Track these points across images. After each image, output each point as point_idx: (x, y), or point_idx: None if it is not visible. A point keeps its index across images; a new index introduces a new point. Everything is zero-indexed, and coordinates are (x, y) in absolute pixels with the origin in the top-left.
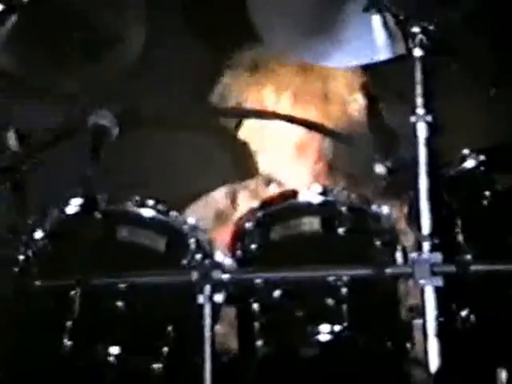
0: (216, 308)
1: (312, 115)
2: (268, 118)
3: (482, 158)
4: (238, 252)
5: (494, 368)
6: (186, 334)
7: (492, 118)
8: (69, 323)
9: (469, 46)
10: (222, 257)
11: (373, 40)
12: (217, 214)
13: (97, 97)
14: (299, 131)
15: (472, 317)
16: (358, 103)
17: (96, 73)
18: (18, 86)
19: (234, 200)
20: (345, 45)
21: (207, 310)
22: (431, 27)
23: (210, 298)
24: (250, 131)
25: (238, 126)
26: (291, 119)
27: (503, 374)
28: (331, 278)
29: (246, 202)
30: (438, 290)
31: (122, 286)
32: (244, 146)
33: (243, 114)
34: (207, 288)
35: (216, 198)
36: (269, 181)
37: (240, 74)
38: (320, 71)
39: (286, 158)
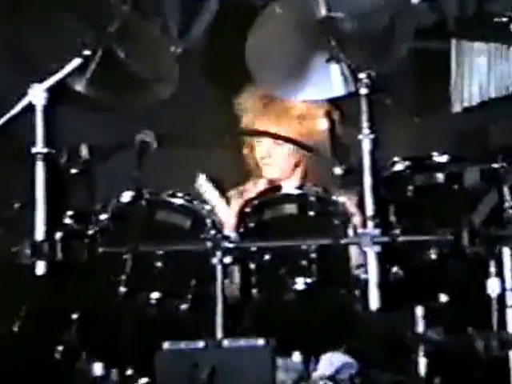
0: (225, 267)
1: (290, 134)
2: (266, 136)
3: (407, 163)
4: (241, 229)
5: (413, 305)
6: (204, 284)
7: (414, 137)
8: (123, 277)
9: (398, 87)
10: (230, 232)
11: (332, 82)
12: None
13: (142, 119)
14: (286, 146)
15: (400, 272)
16: (323, 125)
17: (145, 102)
18: (90, 111)
19: (242, 193)
20: (313, 85)
21: (219, 269)
22: (373, 74)
23: (221, 261)
24: (251, 148)
25: (242, 144)
26: (282, 137)
27: (419, 310)
28: (304, 246)
29: (249, 194)
30: (377, 254)
31: (160, 252)
32: (246, 157)
33: (250, 133)
34: (218, 254)
35: (232, 193)
36: (260, 181)
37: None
38: (296, 104)
39: (276, 165)
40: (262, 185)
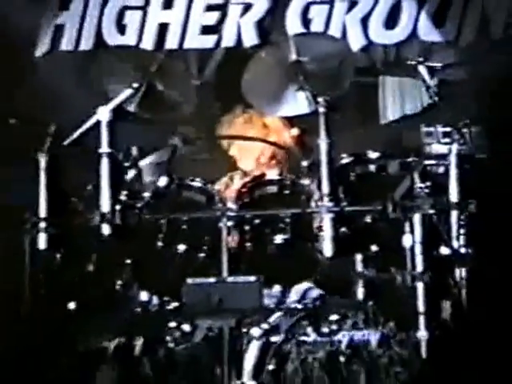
0: (228, 228)
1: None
2: (248, 140)
3: (351, 158)
4: (239, 202)
5: (355, 253)
6: (213, 239)
7: (356, 140)
8: (160, 235)
9: (344, 107)
10: (231, 204)
11: (301, 104)
12: (227, 185)
13: (171, 129)
14: (262, 145)
15: (346, 230)
16: (294, 132)
17: (174, 117)
18: (138, 124)
19: (231, 179)
20: (287, 105)
21: (224, 230)
22: (327, 98)
23: (225, 224)
24: (236, 148)
25: (230, 146)
26: (260, 140)
27: (359, 256)
28: (282, 214)
29: (237, 180)
30: (331, 219)
31: (185, 218)
32: (232, 156)
33: (236, 137)
34: (224, 219)
35: (224, 179)
36: (245, 172)
37: (235, 117)
38: (274, 119)
39: (254, 160)
40: (237, 176)
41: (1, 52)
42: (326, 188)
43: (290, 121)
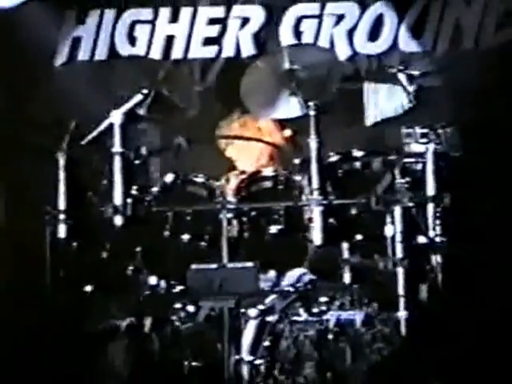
0: (228, 220)
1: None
2: (246, 140)
3: (338, 156)
4: (238, 196)
5: (341, 241)
6: (214, 229)
7: (343, 140)
8: (167, 226)
9: (333, 110)
10: (231, 198)
11: (293, 107)
12: (226, 181)
13: (177, 130)
14: (258, 147)
15: (334, 221)
16: (287, 133)
17: (179, 120)
18: (147, 126)
19: (229, 177)
20: (281, 109)
21: (224, 221)
22: (317, 102)
23: (225, 216)
24: (232, 150)
25: (227, 147)
26: (257, 139)
27: (345, 245)
28: (277, 207)
29: (234, 178)
30: (320, 212)
31: (189, 210)
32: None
33: (236, 138)
34: (224, 211)
35: (224, 176)
36: (241, 171)
37: (232, 121)
38: (267, 123)
39: (251, 161)
40: (234, 174)
41: (23, 62)
42: (315, 183)
43: (282, 123)
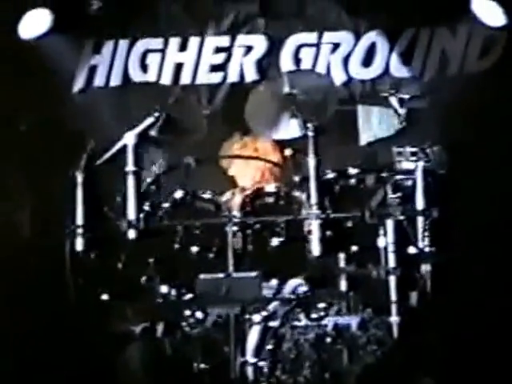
0: (233, 232)
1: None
2: (248, 159)
3: (334, 173)
4: (242, 210)
5: (338, 252)
6: (221, 241)
7: (338, 158)
8: (177, 239)
9: (329, 131)
10: (236, 212)
11: (293, 128)
12: (231, 197)
13: (186, 151)
14: (257, 166)
15: (331, 233)
16: (288, 153)
17: (187, 141)
18: (158, 147)
19: (234, 193)
20: (282, 130)
21: (230, 235)
22: (315, 124)
23: (231, 229)
24: (234, 169)
25: (229, 167)
26: (254, 158)
27: (342, 255)
28: (278, 221)
29: (238, 194)
30: (318, 224)
31: (197, 223)
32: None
33: (236, 157)
34: (229, 224)
35: (228, 193)
36: (242, 188)
37: (233, 143)
38: (265, 144)
39: (250, 177)
40: (237, 192)
41: (45, 88)
42: (314, 198)
43: (280, 144)
